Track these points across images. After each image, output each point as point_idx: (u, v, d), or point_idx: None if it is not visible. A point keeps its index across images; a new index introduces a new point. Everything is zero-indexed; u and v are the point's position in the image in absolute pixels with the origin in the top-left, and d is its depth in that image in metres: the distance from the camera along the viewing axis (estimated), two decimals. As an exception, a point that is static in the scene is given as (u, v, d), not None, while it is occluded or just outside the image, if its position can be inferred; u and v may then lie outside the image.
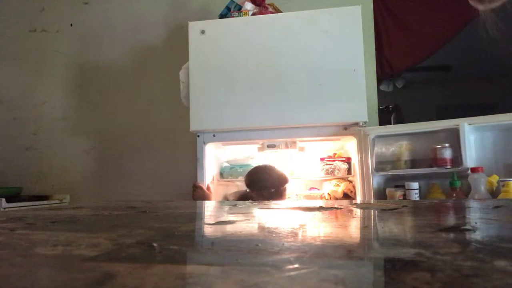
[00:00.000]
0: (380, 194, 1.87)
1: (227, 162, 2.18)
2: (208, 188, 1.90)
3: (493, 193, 1.53)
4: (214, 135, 1.95)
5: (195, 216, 0.56)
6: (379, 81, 2.51)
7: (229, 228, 0.40)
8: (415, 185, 1.74)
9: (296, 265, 0.22)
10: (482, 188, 1.51)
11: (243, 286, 0.18)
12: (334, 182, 2.07)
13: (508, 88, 4.68)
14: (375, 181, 1.86)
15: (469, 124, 1.62)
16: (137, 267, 0.22)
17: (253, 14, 2.04)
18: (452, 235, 0.32)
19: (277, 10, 2.15)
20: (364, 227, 0.41)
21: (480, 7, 0.89)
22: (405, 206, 0.55)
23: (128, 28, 2.59)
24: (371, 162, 1.84)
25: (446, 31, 2.41)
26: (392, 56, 2.42)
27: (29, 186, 2.54)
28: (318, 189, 2.13)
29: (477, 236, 0.32)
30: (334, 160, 2.07)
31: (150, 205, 0.74)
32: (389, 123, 3.95)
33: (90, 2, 2.66)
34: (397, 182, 1.87)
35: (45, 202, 2.31)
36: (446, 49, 2.55)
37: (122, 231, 0.37)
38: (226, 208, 0.65)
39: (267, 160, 2.14)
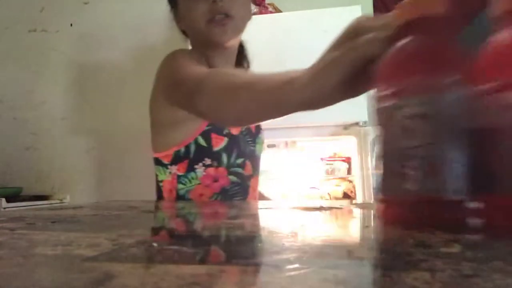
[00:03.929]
0: (380, 194, 1.86)
1: (227, 162, 2.18)
2: None
3: (493, 193, 1.52)
4: (214, 135, 1.94)
5: (195, 216, 0.56)
6: (379, 81, 2.51)
7: (229, 228, 0.40)
8: (415, 185, 1.74)
9: (296, 265, 0.22)
10: (482, 188, 1.51)
11: (243, 286, 0.18)
12: (334, 182, 2.07)
13: (508, 88, 4.68)
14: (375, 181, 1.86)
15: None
16: (137, 267, 0.22)
17: (253, 14, 2.04)
18: (452, 235, 0.32)
19: (277, 10, 2.15)
20: (364, 227, 0.41)
21: None
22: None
23: (128, 28, 2.59)
24: (371, 162, 1.83)
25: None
26: (392, 56, 2.42)
27: (29, 186, 2.54)
28: (318, 189, 2.13)
29: (477, 236, 0.32)
30: (334, 160, 2.07)
31: (150, 205, 0.74)
32: (389, 123, 3.95)
33: (90, 2, 2.66)
34: (397, 182, 1.87)
35: (45, 202, 2.31)
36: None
37: (122, 231, 0.38)
38: (226, 208, 0.65)
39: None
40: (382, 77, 0.39)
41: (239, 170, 0.89)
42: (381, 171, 0.37)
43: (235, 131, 0.89)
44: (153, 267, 0.22)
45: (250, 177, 0.92)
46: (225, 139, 0.86)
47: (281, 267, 0.21)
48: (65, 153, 2.58)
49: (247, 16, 0.91)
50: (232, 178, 0.88)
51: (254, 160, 0.95)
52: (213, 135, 0.85)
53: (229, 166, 0.86)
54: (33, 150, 2.63)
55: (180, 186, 0.87)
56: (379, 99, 0.38)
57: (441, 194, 0.33)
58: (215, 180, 0.86)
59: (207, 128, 0.85)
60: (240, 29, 0.91)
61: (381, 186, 0.38)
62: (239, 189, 0.90)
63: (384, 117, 0.38)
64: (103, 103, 2.57)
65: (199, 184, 0.85)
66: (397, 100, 0.35)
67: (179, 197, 0.88)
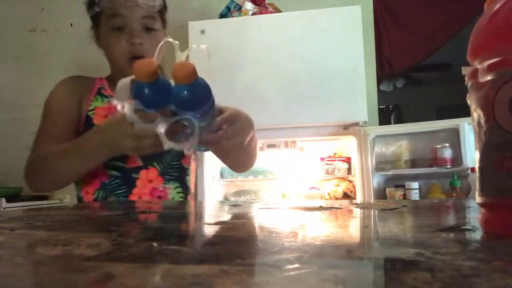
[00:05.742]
0: (380, 194, 1.87)
1: (227, 162, 2.18)
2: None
3: (493, 193, 1.53)
4: (214, 135, 1.95)
5: (195, 216, 0.56)
6: (379, 81, 2.51)
7: (229, 228, 0.40)
8: (415, 185, 1.74)
9: (296, 265, 0.22)
10: (482, 188, 1.51)
11: (243, 286, 0.18)
12: (334, 182, 2.07)
13: (508, 88, 4.67)
14: (375, 181, 1.86)
15: (469, 124, 1.63)
16: (137, 267, 0.22)
17: (253, 14, 2.04)
18: (452, 235, 0.32)
19: (277, 10, 2.16)
20: (364, 227, 0.41)
21: None
22: (405, 206, 0.55)
23: (128, 28, 2.58)
24: (371, 162, 1.84)
25: (446, 30, 2.42)
26: (392, 56, 2.42)
27: (29, 186, 2.53)
28: (318, 189, 2.13)
29: (477, 236, 0.32)
30: (334, 160, 2.07)
31: (150, 205, 0.74)
32: (389, 123, 3.95)
33: (90, 2, 2.66)
34: (397, 182, 1.87)
35: (45, 202, 2.31)
36: (447, 48, 2.56)
37: (122, 231, 0.38)
38: (226, 208, 0.65)
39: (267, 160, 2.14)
40: (481, 43, 0.29)
41: (119, 163, 0.90)
42: (483, 167, 0.31)
43: None
44: (153, 267, 0.22)
45: (138, 169, 0.92)
46: None
47: (281, 267, 0.21)
48: (65, 153, 2.58)
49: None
50: (112, 172, 0.90)
51: None
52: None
53: (106, 161, 0.85)
54: (33, 150, 2.62)
55: (76, 186, 0.94)
56: (476, 73, 0.30)
57: None
58: (94, 176, 0.89)
59: (81, 130, 0.93)
60: None
61: (484, 186, 0.31)
62: (121, 182, 0.91)
63: (483, 95, 0.29)
64: (103, 103, 2.56)
65: (82, 182, 0.91)
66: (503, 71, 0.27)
67: (80, 199, 0.93)
